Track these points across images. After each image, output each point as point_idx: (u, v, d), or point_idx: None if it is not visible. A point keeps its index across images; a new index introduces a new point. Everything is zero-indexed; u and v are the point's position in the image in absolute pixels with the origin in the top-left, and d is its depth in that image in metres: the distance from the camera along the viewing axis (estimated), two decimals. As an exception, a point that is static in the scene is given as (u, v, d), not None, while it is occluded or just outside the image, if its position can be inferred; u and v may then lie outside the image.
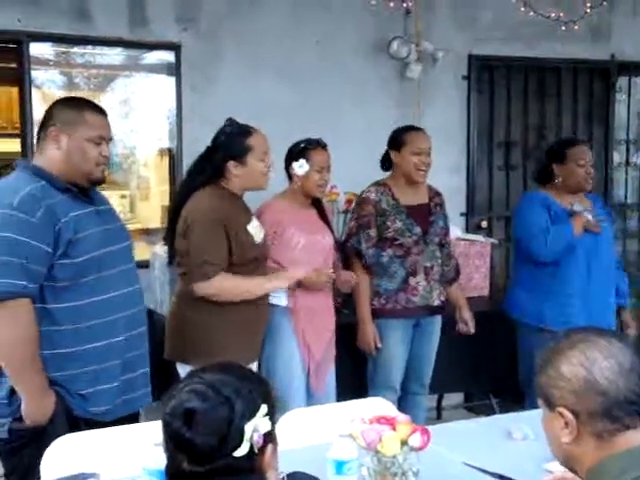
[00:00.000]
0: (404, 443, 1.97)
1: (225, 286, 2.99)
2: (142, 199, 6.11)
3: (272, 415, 1.38)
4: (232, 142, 3.04)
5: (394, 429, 1.99)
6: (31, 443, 2.36)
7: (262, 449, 1.36)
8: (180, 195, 3.14)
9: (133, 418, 2.57)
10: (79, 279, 2.41)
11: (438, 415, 4.85)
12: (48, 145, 2.47)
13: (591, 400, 1.42)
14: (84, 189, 2.51)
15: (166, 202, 5.21)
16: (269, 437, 1.38)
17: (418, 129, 3.73)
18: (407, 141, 3.61)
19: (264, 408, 1.36)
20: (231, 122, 3.10)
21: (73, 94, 5.27)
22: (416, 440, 1.97)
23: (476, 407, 4.94)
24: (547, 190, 3.73)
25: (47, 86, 4.98)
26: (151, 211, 5.85)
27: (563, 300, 3.61)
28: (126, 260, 2.62)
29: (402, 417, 2.05)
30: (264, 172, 3.08)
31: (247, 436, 1.32)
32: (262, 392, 1.40)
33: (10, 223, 2.30)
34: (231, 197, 3.07)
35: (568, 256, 3.60)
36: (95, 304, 2.45)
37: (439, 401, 4.86)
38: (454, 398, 4.99)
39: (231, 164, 3.03)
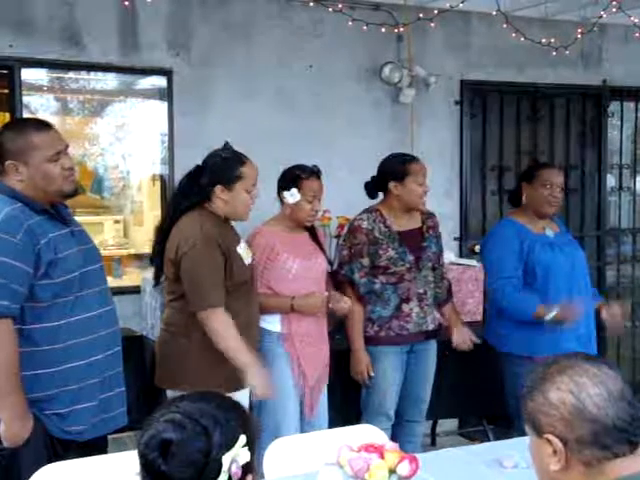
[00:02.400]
0: (392, 471, 1.95)
1: (223, 329, 2.93)
2: (136, 224, 6.08)
3: (251, 445, 1.34)
4: (225, 167, 3.01)
5: (382, 457, 1.96)
6: (5, 464, 2.35)
7: None
8: (168, 217, 3.11)
9: (103, 439, 2.58)
10: (58, 299, 2.43)
11: (432, 441, 4.81)
12: (11, 178, 2.47)
13: (580, 427, 1.39)
14: (58, 211, 2.53)
15: (158, 227, 5.20)
16: (248, 468, 1.34)
17: (415, 158, 3.68)
18: (411, 171, 3.56)
19: (243, 438, 1.32)
20: (228, 146, 3.09)
21: (66, 119, 5.30)
22: (404, 468, 1.95)
23: (470, 433, 4.91)
24: (519, 215, 3.72)
25: (40, 111, 4.99)
26: (145, 236, 5.82)
27: (554, 327, 3.52)
28: (101, 281, 2.65)
29: (390, 445, 2.02)
30: (248, 204, 3.05)
31: (225, 467, 1.28)
32: (241, 422, 1.36)
33: None
34: (219, 220, 3.05)
35: (550, 285, 3.57)
36: (74, 323, 2.47)
37: (433, 427, 4.82)
38: (448, 424, 4.96)
39: (218, 188, 3.00)
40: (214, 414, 1.32)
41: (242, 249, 3.09)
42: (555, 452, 1.42)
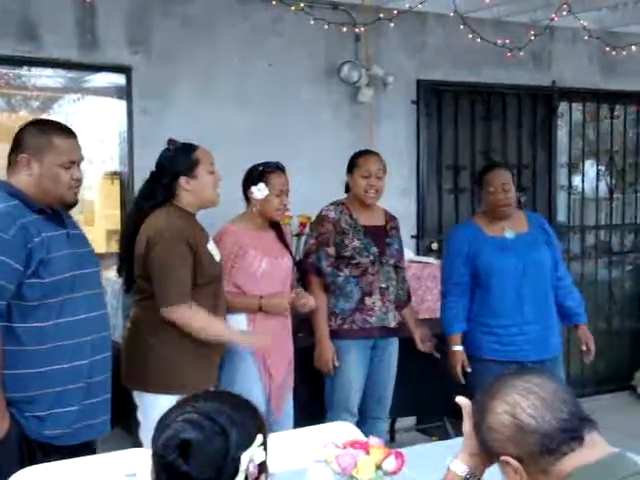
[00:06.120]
0: (378, 467, 1.96)
1: (195, 318, 2.95)
2: (87, 223, 5.99)
3: (266, 445, 1.34)
4: (179, 158, 3.02)
5: (368, 453, 1.98)
6: None
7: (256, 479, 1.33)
8: (132, 220, 3.09)
9: (89, 445, 2.55)
10: (47, 300, 2.41)
11: (391, 438, 4.85)
12: (20, 171, 2.48)
13: (526, 442, 1.46)
14: (56, 212, 2.52)
15: (112, 226, 5.13)
16: (263, 467, 1.35)
17: (370, 152, 3.79)
18: (357, 164, 3.68)
19: (259, 438, 1.33)
20: (172, 142, 3.09)
21: (12, 116, 5.18)
22: (390, 464, 1.97)
23: (429, 429, 4.96)
24: (479, 216, 3.78)
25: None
26: (96, 235, 5.74)
27: (497, 330, 3.59)
28: (94, 285, 2.62)
29: (375, 441, 2.04)
30: (214, 186, 3.06)
31: (243, 467, 1.29)
32: (256, 421, 1.37)
33: None
34: (188, 216, 3.04)
35: (497, 285, 3.58)
36: (61, 326, 2.45)
37: (392, 424, 4.86)
38: (406, 420, 5.00)
39: (182, 180, 3.01)
40: (230, 414, 1.33)
41: (211, 246, 3.10)
42: (516, 471, 1.48)
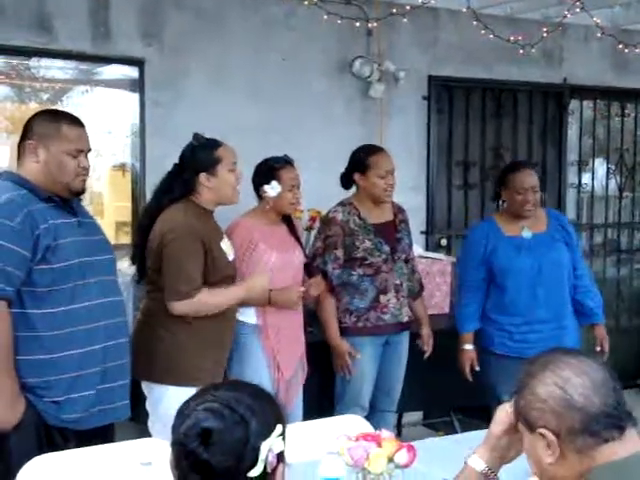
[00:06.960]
0: (390, 460, 1.98)
1: (204, 302, 2.97)
2: (96, 215, 6.00)
3: (284, 435, 1.36)
4: (201, 155, 3.04)
5: (380, 446, 1.99)
6: None
7: (274, 469, 1.34)
8: (149, 213, 3.11)
9: (108, 429, 2.59)
10: (58, 285, 2.44)
11: (398, 433, 4.86)
12: (27, 158, 2.52)
13: (569, 418, 1.45)
14: (66, 201, 2.55)
15: (122, 218, 5.15)
16: (281, 457, 1.36)
17: (380, 149, 3.72)
18: (372, 164, 3.60)
19: (279, 428, 1.34)
20: (197, 136, 3.09)
21: (21, 107, 5.20)
22: (402, 457, 1.98)
23: (435, 424, 4.98)
24: (500, 215, 3.73)
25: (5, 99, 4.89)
26: (105, 227, 5.75)
27: (509, 328, 3.58)
28: (107, 272, 2.65)
29: (386, 434, 2.05)
30: (234, 185, 3.07)
31: (262, 456, 1.30)
32: (275, 411, 1.38)
33: None
34: (205, 213, 3.06)
35: (511, 284, 3.56)
36: (73, 311, 2.48)
37: (399, 418, 4.87)
38: (413, 415, 5.02)
39: (202, 176, 3.02)
40: (249, 403, 1.34)
41: (226, 245, 3.10)
42: (549, 445, 1.47)
